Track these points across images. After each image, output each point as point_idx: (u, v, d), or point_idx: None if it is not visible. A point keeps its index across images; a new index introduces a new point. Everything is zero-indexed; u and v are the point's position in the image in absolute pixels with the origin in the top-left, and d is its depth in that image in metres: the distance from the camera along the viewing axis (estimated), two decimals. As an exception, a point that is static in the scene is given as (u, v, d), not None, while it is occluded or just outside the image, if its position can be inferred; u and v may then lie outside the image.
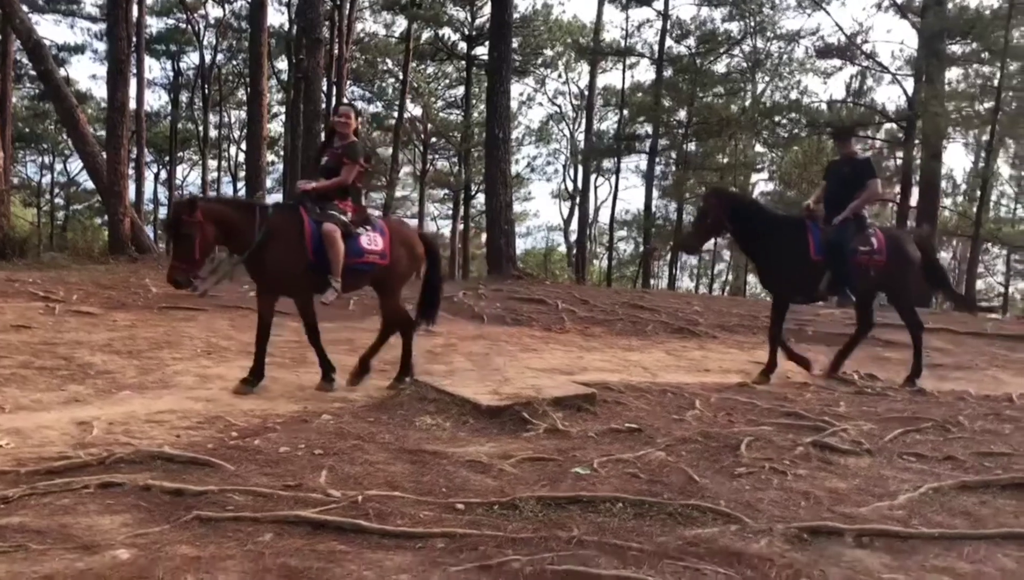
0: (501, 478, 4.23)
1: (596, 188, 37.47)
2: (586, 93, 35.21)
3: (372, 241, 6.29)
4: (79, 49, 36.74)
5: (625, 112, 30.44)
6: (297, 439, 4.68)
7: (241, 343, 7.78)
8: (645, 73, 35.27)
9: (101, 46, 35.89)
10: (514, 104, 35.69)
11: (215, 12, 35.64)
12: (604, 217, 36.26)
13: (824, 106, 26.13)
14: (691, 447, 4.90)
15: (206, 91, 36.40)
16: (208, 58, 36.16)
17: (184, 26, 35.80)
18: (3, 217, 12.73)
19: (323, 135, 6.87)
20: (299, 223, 5.99)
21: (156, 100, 46.19)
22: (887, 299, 8.05)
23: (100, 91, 38.57)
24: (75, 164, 43.51)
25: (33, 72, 34.31)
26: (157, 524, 3.49)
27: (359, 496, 3.79)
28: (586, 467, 4.41)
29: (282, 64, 33.12)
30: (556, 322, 9.82)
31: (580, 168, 34.88)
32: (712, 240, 8.43)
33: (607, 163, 35.49)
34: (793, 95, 27.99)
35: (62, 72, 36.32)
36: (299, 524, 3.54)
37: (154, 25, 35.49)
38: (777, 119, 24.74)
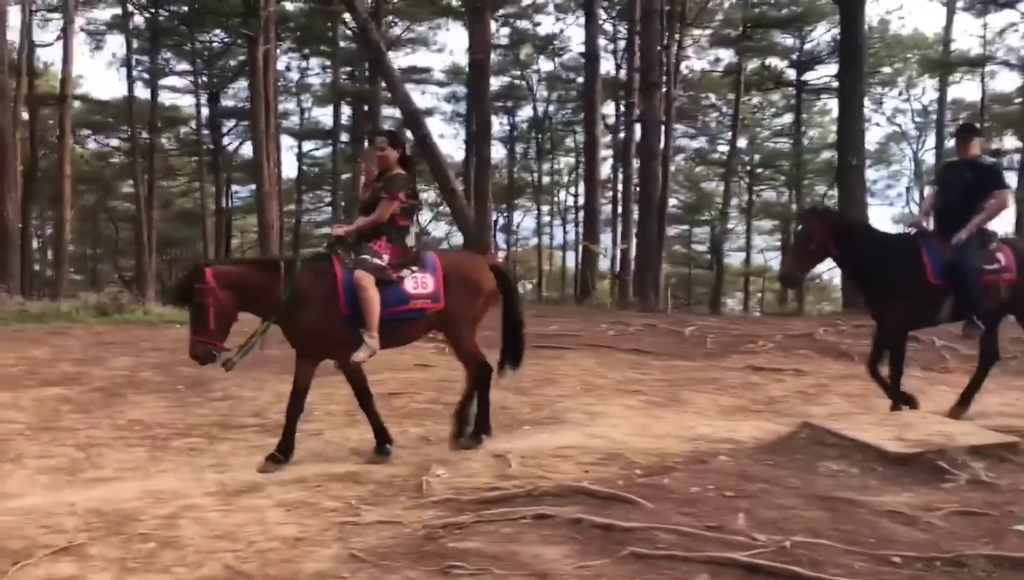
0: (932, 532, 3.96)
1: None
2: (930, 109, 32.52)
3: (420, 283, 5.45)
4: (429, 112, 40.82)
5: (986, 125, 27.57)
6: (702, 480, 4.73)
7: (614, 382, 8.09)
8: (1007, 82, 31.77)
9: (447, 107, 39.67)
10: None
11: (546, 66, 37.93)
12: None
13: None
14: None
15: (539, 140, 38.66)
16: (540, 110, 38.48)
17: (519, 82, 38.41)
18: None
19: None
20: (331, 275, 5.32)
21: (494, 153, 49.88)
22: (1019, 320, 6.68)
23: (444, 148, 42.20)
24: (426, 215, 48.36)
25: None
26: (595, 557, 3.70)
27: (786, 542, 3.73)
28: (1030, 524, 4.00)
29: (607, 108, 34.29)
30: (936, 361, 9.06)
31: (927, 190, 32.13)
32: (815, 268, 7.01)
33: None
34: None
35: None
36: (731, 566, 3.57)
37: (493, 83, 38.43)
38: None
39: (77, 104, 32.13)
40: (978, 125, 6.99)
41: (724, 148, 39.62)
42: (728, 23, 30.79)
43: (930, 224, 6.60)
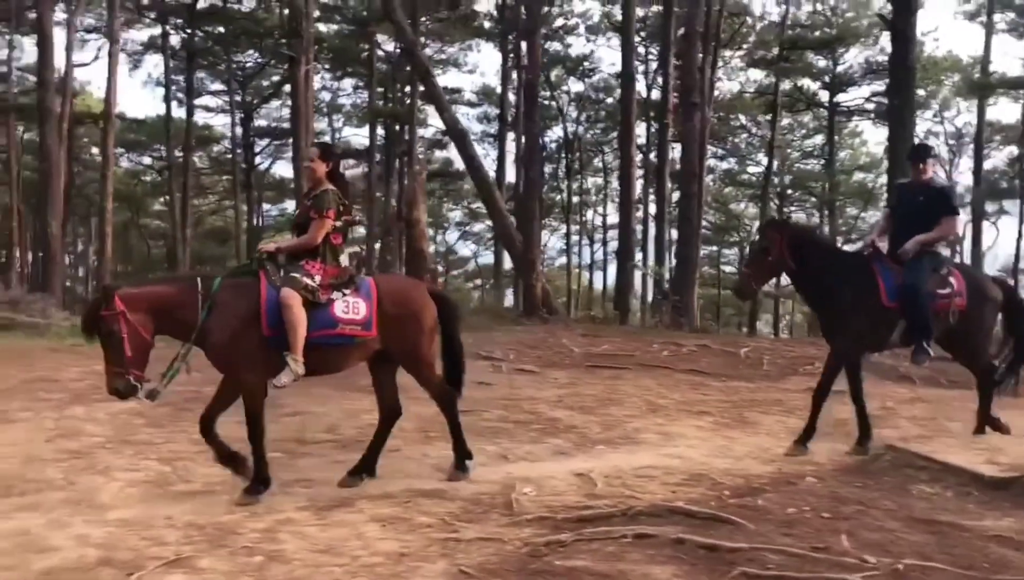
0: (1044, 557, 3.92)
1: (980, 233, 33.98)
2: (964, 132, 32.38)
3: (351, 308, 5.08)
4: (459, 132, 41.06)
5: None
6: (796, 501, 4.71)
7: (677, 402, 8.08)
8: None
9: (477, 127, 39.92)
10: (879, 148, 33.90)
11: (576, 87, 38.12)
12: (994, 263, 32.72)
13: None
14: None
15: (568, 160, 38.75)
16: (570, 130, 38.60)
17: (548, 103, 38.54)
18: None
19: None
20: (255, 292, 4.97)
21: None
22: (953, 346, 6.57)
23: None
24: (453, 234, 48.74)
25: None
26: (704, 577, 3.69)
27: (898, 564, 3.71)
28: None
29: (637, 129, 34.27)
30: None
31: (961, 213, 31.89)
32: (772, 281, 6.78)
33: (992, 205, 32.17)
34: None
35: (444, 153, 41.09)
36: (846, 588, 3.56)
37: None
38: None
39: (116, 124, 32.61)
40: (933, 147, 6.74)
41: (754, 169, 39.65)
42: (761, 44, 30.84)
43: (884, 244, 6.41)
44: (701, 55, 23.23)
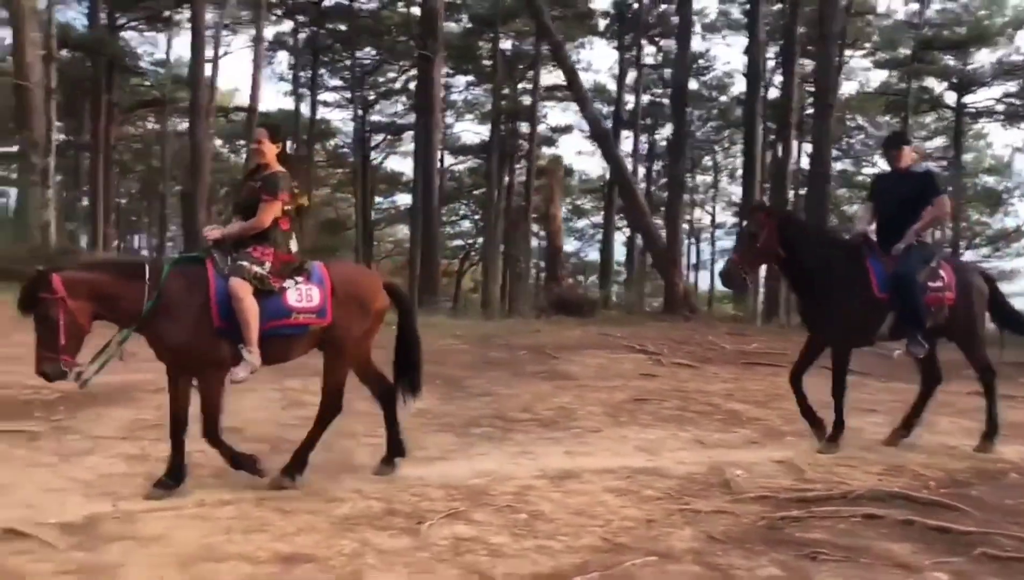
0: None
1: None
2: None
3: (304, 296, 4.90)
4: (568, 129, 41.25)
5: None
6: (1010, 494, 4.96)
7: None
8: None
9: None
10: (1006, 151, 32.81)
11: (690, 85, 37.89)
12: None
13: None
14: None
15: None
16: (682, 128, 38.52)
17: (660, 100, 38.50)
18: (563, 279, 15.21)
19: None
20: (204, 281, 4.75)
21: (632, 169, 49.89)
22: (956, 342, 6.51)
23: (579, 165, 42.65)
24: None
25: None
26: (944, 555, 3.97)
27: None
28: None
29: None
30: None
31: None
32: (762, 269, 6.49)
33: None
34: None
35: (553, 150, 41.48)
36: (1090, 572, 3.81)
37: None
38: None
39: (238, 117, 34.28)
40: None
41: (869, 171, 38.79)
42: (886, 44, 30.22)
43: (872, 236, 6.30)
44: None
